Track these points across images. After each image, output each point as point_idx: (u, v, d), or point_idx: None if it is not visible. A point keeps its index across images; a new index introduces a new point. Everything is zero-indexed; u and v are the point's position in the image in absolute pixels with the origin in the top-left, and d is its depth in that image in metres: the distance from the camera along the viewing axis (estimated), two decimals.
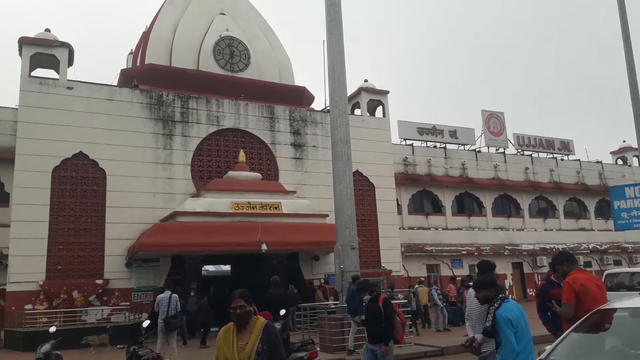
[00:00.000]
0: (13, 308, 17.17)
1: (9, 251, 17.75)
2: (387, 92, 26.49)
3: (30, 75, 19.14)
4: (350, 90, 22.46)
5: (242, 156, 21.23)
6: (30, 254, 17.64)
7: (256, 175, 21.13)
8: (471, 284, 6.70)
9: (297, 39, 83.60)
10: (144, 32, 25.13)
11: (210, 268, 26.58)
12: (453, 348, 11.96)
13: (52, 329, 12.06)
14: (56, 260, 18.10)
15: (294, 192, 21.25)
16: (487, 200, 31.17)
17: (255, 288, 19.80)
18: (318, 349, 9.17)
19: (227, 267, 26.23)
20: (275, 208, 19.48)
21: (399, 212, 27.04)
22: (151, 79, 21.62)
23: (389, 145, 25.66)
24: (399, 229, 25.83)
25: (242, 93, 22.78)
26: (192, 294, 17.77)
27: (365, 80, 26.50)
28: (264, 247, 17.42)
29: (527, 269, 30.78)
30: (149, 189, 19.83)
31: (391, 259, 23.65)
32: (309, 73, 69.19)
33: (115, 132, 19.63)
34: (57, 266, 18.07)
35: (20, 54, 19.32)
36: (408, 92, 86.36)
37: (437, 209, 29.86)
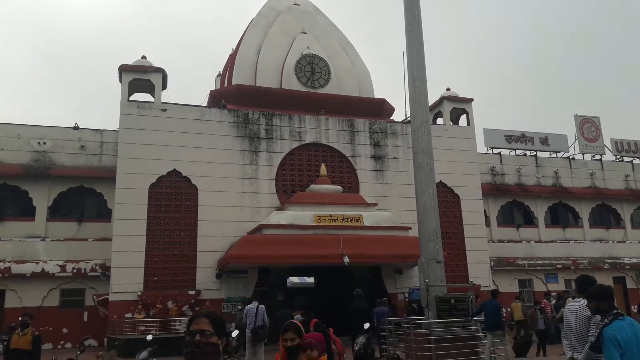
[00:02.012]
0: (115, 316, 18.49)
1: (111, 263, 19.20)
2: (471, 99, 25.71)
3: (129, 100, 20.75)
4: (432, 99, 22.09)
5: (323, 170, 21.52)
6: (130, 265, 18.94)
7: (337, 188, 21.28)
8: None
9: (376, 51, 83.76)
10: (230, 55, 26.43)
11: (295, 280, 27.02)
12: None
13: (149, 337, 12.84)
14: (153, 272, 19.29)
15: (375, 204, 21.13)
16: (584, 211, 29.09)
17: (339, 300, 19.91)
18: None
19: (311, 280, 26.52)
20: (357, 220, 19.47)
21: (487, 224, 25.96)
22: (238, 99, 22.62)
23: (474, 155, 24.81)
24: (488, 242, 24.76)
25: (323, 108, 23.16)
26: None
27: (448, 89, 25.91)
28: (346, 259, 17.43)
29: (630, 284, 28.24)
30: (237, 203, 20.63)
31: (480, 274, 22.69)
32: (389, 85, 68.86)
33: (205, 150, 20.69)
34: (153, 277, 19.26)
35: (120, 80, 21.03)
36: (494, 99, 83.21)
37: (529, 220, 28.31)
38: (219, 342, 2.46)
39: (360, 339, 9.57)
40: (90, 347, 10.43)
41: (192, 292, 19.33)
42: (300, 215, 19.13)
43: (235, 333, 10.90)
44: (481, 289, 21.60)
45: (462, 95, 25.89)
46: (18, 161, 21.35)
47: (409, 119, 16.35)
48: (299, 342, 3.71)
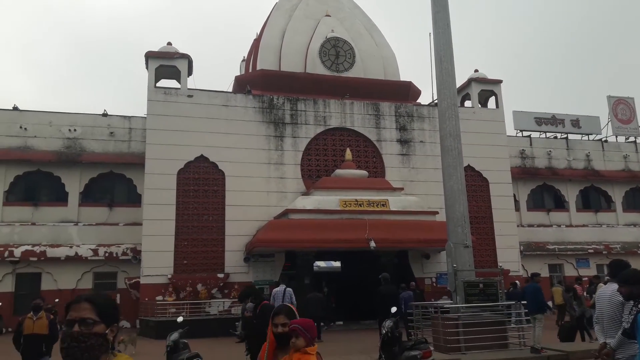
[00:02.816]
0: (146, 299, 18.95)
1: (142, 247, 19.63)
2: (500, 81, 25.14)
3: (155, 86, 20.98)
4: (459, 81, 21.69)
5: (348, 154, 21.44)
6: (160, 249, 19.34)
7: (362, 172, 21.20)
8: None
9: (402, 33, 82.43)
10: (254, 40, 26.39)
11: (321, 264, 27.16)
12: (580, 353, 11.02)
13: (180, 319, 13.08)
14: (182, 256, 19.66)
15: (401, 189, 20.99)
16: (617, 194, 28.33)
17: (365, 285, 19.97)
18: (432, 348, 8.94)
19: (338, 264, 26.61)
20: (383, 205, 19.39)
21: (517, 208, 25.54)
22: (262, 84, 22.63)
23: (503, 138, 24.34)
24: (517, 226, 24.39)
25: (348, 92, 22.99)
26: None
27: (476, 71, 25.38)
28: (372, 244, 17.41)
29: None
30: (263, 188, 20.78)
31: (509, 258, 22.39)
32: (416, 67, 67.88)
33: (231, 135, 20.83)
34: (183, 261, 19.62)
35: (147, 67, 21.25)
36: (523, 80, 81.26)
37: (560, 204, 27.73)
38: (106, 332, 1.99)
39: (388, 323, 9.54)
40: (123, 328, 10.70)
41: (220, 275, 19.64)
42: (326, 200, 19.15)
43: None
44: (510, 274, 21.33)
45: (490, 76, 25.34)
46: (50, 148, 21.89)
47: (436, 101, 16.12)
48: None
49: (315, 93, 22.75)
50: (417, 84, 25.01)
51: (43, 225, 21.32)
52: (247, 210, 20.30)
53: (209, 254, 19.94)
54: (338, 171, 20.95)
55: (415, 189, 21.92)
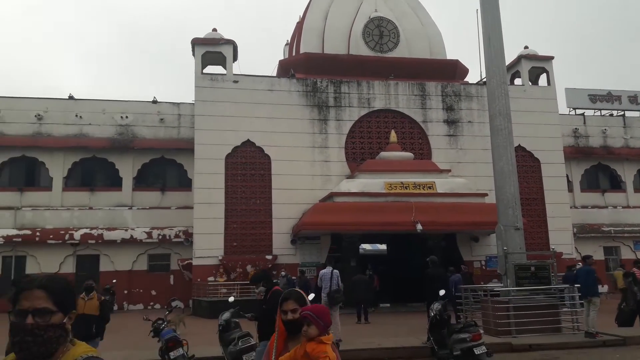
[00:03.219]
0: (198, 280, 19.60)
1: (193, 230, 20.26)
2: (551, 57, 24.13)
3: (202, 73, 21.37)
4: (509, 58, 20.97)
5: (393, 136, 21.23)
6: (211, 232, 19.89)
7: (408, 155, 20.96)
8: None
9: (448, 11, 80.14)
10: (297, 23, 26.34)
11: (367, 247, 27.23)
12: (638, 338, 10.63)
13: (231, 299, 13.45)
14: (232, 238, 20.16)
15: (449, 170, 20.64)
16: None
17: (412, 268, 19.88)
18: (481, 331, 8.84)
19: (384, 247, 26.60)
20: (429, 187, 19.16)
21: (570, 189, 24.66)
22: (306, 68, 22.63)
23: (555, 116, 23.43)
24: (570, 207, 23.57)
25: (392, 73, 22.66)
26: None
27: (526, 47, 24.45)
28: (419, 227, 17.28)
29: None
30: (308, 171, 20.93)
31: (561, 241, 21.71)
32: (462, 45, 65.98)
33: (276, 120, 21.02)
34: (232, 243, 20.13)
35: (194, 54, 21.66)
36: (576, 56, 77.58)
37: (616, 185, 26.56)
38: (64, 321, 1.73)
39: (436, 306, 9.50)
40: (177, 307, 11.16)
41: (269, 257, 20.04)
42: (371, 182, 19.10)
43: (311, 296, 11.20)
44: (563, 257, 20.72)
45: (541, 53, 24.36)
46: (104, 135, 22.78)
47: (485, 80, 15.67)
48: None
49: (359, 75, 22.56)
50: (464, 62, 24.28)
51: (100, 209, 22.33)
52: (292, 194, 20.53)
53: (258, 236, 20.36)
54: (383, 154, 20.80)
55: (463, 170, 21.51)
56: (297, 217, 20.15)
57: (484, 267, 20.84)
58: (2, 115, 22.20)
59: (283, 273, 18.25)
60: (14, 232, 21.14)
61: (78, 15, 78.30)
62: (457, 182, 19.86)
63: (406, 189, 19.04)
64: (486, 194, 19.21)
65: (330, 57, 23.04)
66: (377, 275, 19.55)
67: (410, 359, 9.84)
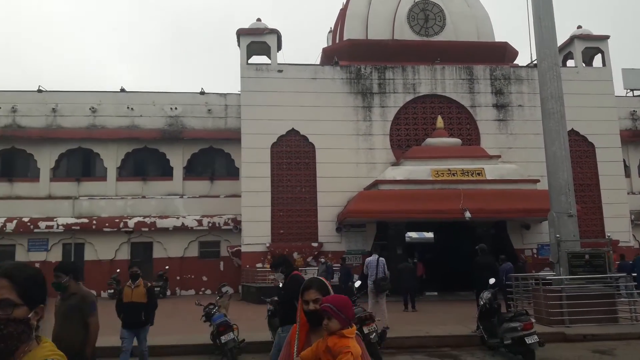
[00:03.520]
0: (247, 266, 20.05)
1: (241, 217, 20.70)
2: (607, 37, 22.96)
3: (247, 63, 21.63)
4: (560, 39, 20.12)
5: (439, 122, 20.85)
6: (258, 219, 20.28)
7: (456, 141, 20.55)
8: None
9: None
10: (341, 10, 26.15)
11: (413, 235, 27.03)
12: None
13: (280, 285, 13.74)
14: (278, 226, 20.48)
15: (498, 156, 20.11)
16: None
17: (460, 256, 19.61)
18: (533, 320, 8.66)
19: (430, 235, 26.34)
20: (478, 174, 18.75)
21: (627, 174, 23.54)
22: (350, 54, 22.49)
23: (611, 99, 22.35)
24: (628, 193, 22.52)
25: (438, 57, 22.18)
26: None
27: (579, 27, 23.36)
28: (468, 214, 16.97)
29: None
30: (352, 159, 20.91)
31: (618, 228, 20.79)
32: (511, 27, 63.65)
33: (320, 108, 21.06)
34: (279, 230, 20.45)
35: (239, 44, 21.93)
36: (634, 35, 73.32)
37: None
38: (29, 316, 1.55)
39: (485, 294, 9.36)
40: (227, 293, 11.46)
41: (315, 244, 20.24)
42: (417, 170, 18.88)
43: (357, 283, 11.27)
44: (620, 244, 19.88)
45: (595, 32, 23.21)
46: (155, 126, 23.50)
47: (535, 62, 15.13)
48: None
49: (404, 60, 22.22)
50: (514, 44, 23.48)
51: (152, 198, 23.14)
52: (337, 182, 20.58)
53: (303, 224, 20.58)
54: (429, 140, 20.48)
55: (514, 156, 20.90)
56: (341, 205, 20.21)
57: (535, 256, 20.29)
58: (59, 108, 23.29)
59: (322, 260, 18.31)
60: (73, 220, 22.24)
61: (130, 12, 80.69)
62: (507, 168, 19.34)
63: (454, 175, 18.71)
64: (538, 180, 18.63)
65: (374, 43, 22.80)
66: (422, 263, 19.39)
67: (459, 347, 9.76)
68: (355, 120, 21.31)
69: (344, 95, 21.45)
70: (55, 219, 22.09)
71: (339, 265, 17.71)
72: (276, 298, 7.80)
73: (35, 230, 21.87)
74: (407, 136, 21.63)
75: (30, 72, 68.19)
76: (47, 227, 21.92)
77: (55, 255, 22.04)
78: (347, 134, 21.12)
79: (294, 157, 21.01)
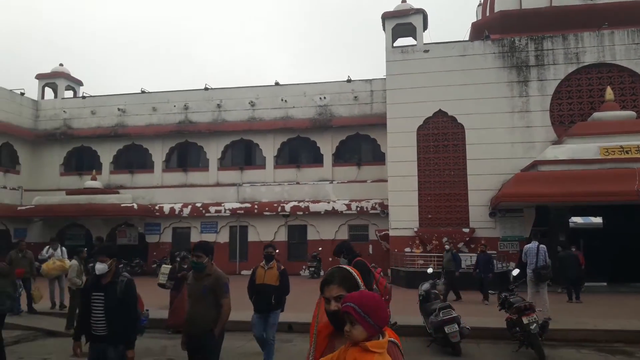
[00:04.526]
0: (395, 250, 20.20)
1: (388, 202, 20.87)
2: None
3: (393, 47, 21.54)
4: None
5: (609, 94, 18.58)
6: (405, 204, 20.26)
7: (629, 114, 18.16)
8: None
9: None
10: None
11: (578, 220, 24.64)
12: None
13: (430, 270, 13.72)
14: (426, 210, 20.23)
15: None
16: None
17: (634, 244, 17.46)
18: None
19: (598, 220, 23.76)
20: None
21: None
22: (502, 27, 21.14)
23: None
24: None
25: (606, 22, 19.71)
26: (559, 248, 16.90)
27: None
28: None
29: None
30: (506, 139, 19.72)
31: None
32: None
33: (469, 86, 20.18)
34: (427, 215, 20.20)
35: (384, 28, 21.92)
36: None
37: None
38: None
39: None
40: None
41: (466, 230, 19.61)
42: (582, 148, 17.10)
43: (516, 272, 10.72)
44: None
45: None
46: (306, 116, 24.73)
47: None
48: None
49: (564, 28, 20.17)
50: None
51: (305, 184, 24.47)
52: (489, 164, 19.61)
53: (453, 209, 20.04)
54: (596, 114, 18.39)
55: None
56: (495, 188, 19.23)
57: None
58: (223, 104, 25.75)
59: (447, 247, 16.40)
60: (237, 205, 24.52)
61: (278, 8, 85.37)
62: None
63: (627, 153, 16.59)
64: None
65: (529, 12, 21.09)
66: (582, 251, 17.55)
67: (634, 343, 8.79)
68: (510, 97, 20.01)
69: (496, 70, 20.24)
70: (222, 204, 24.58)
71: (491, 253, 16.40)
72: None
73: (207, 214, 24.56)
74: (570, 111, 19.71)
75: (198, 70, 76.15)
76: (216, 211, 24.48)
77: (223, 236, 24.58)
78: (500, 112, 19.95)
79: (441, 139, 20.49)
